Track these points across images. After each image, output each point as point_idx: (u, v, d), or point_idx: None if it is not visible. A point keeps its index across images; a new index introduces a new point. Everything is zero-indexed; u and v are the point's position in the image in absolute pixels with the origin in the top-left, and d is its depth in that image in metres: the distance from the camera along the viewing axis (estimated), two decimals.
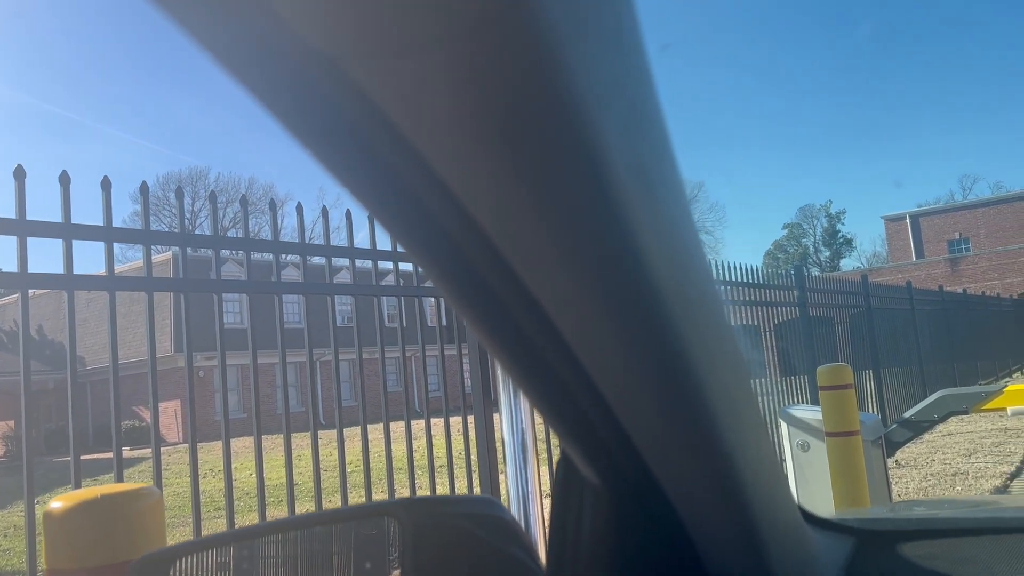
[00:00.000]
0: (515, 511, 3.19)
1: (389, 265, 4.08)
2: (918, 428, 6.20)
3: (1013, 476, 6.93)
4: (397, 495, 4.34)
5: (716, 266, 6.72)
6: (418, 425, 4.19)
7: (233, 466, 3.19)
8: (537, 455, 3.32)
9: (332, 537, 0.72)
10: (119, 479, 2.73)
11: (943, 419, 6.10)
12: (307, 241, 3.67)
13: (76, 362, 2.72)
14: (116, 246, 2.90)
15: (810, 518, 0.87)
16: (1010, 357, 21.15)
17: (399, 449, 4.21)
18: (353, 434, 4.18)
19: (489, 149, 0.37)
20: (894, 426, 6.51)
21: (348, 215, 3.85)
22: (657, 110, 0.43)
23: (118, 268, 2.95)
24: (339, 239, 3.85)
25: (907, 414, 6.37)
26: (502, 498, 3.83)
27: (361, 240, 3.89)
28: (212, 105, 74.66)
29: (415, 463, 4.01)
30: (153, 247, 3.03)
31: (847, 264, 67.07)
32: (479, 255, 0.45)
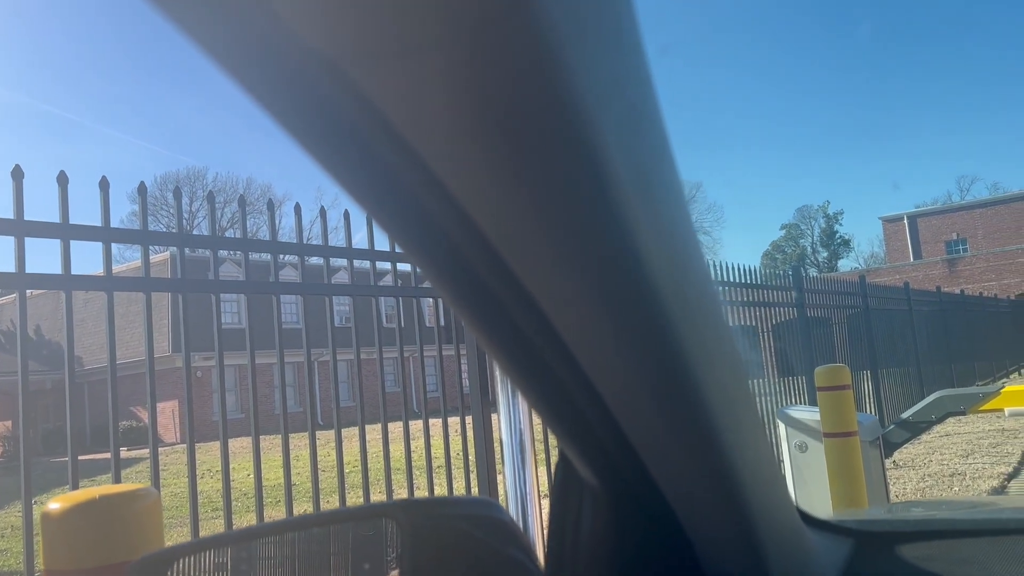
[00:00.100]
0: (513, 512, 3.19)
1: (387, 266, 4.08)
2: (916, 429, 6.20)
3: (1010, 477, 6.94)
4: (395, 496, 4.34)
5: (714, 267, 6.72)
6: (416, 426, 4.19)
7: (231, 466, 3.18)
8: (535, 456, 3.31)
9: (330, 538, 0.72)
10: (117, 479, 2.73)
11: (941, 420, 6.10)
12: (305, 241, 3.67)
13: (74, 362, 2.72)
14: (114, 246, 2.90)
15: (808, 519, 0.88)
16: (1007, 358, 21.17)
17: (397, 450, 4.20)
18: (351, 434, 4.19)
19: (488, 150, 0.37)
20: (892, 427, 6.51)
21: (346, 215, 3.84)
22: (656, 111, 0.43)
23: (116, 268, 2.94)
24: (337, 239, 3.85)
25: (905, 415, 6.38)
26: (500, 499, 3.83)
27: (359, 240, 3.90)
28: (210, 105, 74.67)
29: (413, 464, 4.01)
30: (151, 247, 3.03)
31: (845, 265, 67.20)
32: (477, 255, 0.45)
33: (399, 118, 0.36)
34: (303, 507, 7.04)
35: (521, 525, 3.07)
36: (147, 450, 2.95)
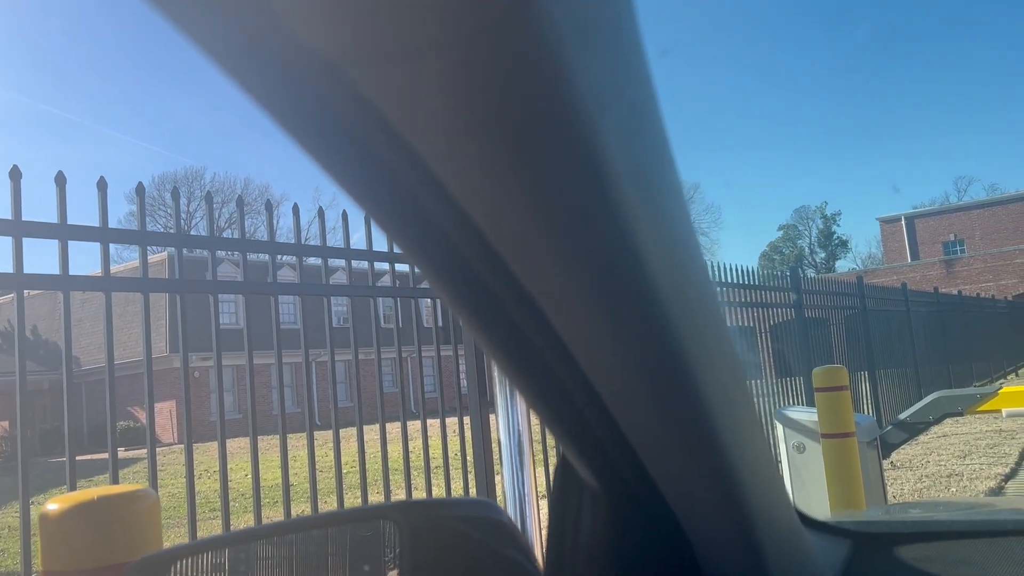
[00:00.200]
0: (511, 513, 3.19)
1: (385, 266, 4.08)
2: (913, 430, 6.21)
3: (1008, 478, 6.94)
4: (393, 496, 4.34)
5: (712, 267, 6.72)
6: (414, 426, 4.18)
7: (229, 467, 3.18)
8: (533, 457, 3.31)
9: (328, 539, 0.72)
10: (114, 480, 2.73)
11: (938, 421, 6.11)
12: (303, 242, 3.67)
13: (71, 362, 2.72)
14: (112, 246, 2.89)
15: (806, 520, 0.88)
16: (1005, 359, 21.19)
17: (395, 450, 4.20)
18: (349, 435, 4.19)
19: (487, 150, 0.37)
20: (889, 428, 6.52)
21: (344, 216, 3.84)
22: (656, 112, 0.43)
23: (113, 268, 2.94)
24: (335, 240, 3.85)
25: (902, 416, 6.39)
26: (498, 500, 3.83)
27: (357, 241, 3.89)
28: (209, 106, 74.71)
29: (411, 464, 4.00)
30: (149, 248, 3.03)
31: (842, 266, 67.23)
32: (476, 255, 0.45)
33: (398, 118, 0.36)
34: (301, 507, 7.04)
35: (519, 526, 3.06)
36: (145, 450, 2.95)
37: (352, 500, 6.16)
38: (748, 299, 7.40)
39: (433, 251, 0.47)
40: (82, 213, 2.88)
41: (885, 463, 6.49)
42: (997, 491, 6.50)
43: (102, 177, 2.86)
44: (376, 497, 6.12)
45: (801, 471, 4.84)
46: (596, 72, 0.36)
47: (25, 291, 2.63)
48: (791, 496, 0.82)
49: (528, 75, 0.33)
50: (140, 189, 3.04)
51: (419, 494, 4.40)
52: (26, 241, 2.62)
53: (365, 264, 3.96)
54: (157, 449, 2.95)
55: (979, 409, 5.91)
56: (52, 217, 2.70)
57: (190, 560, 0.65)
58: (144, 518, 1.69)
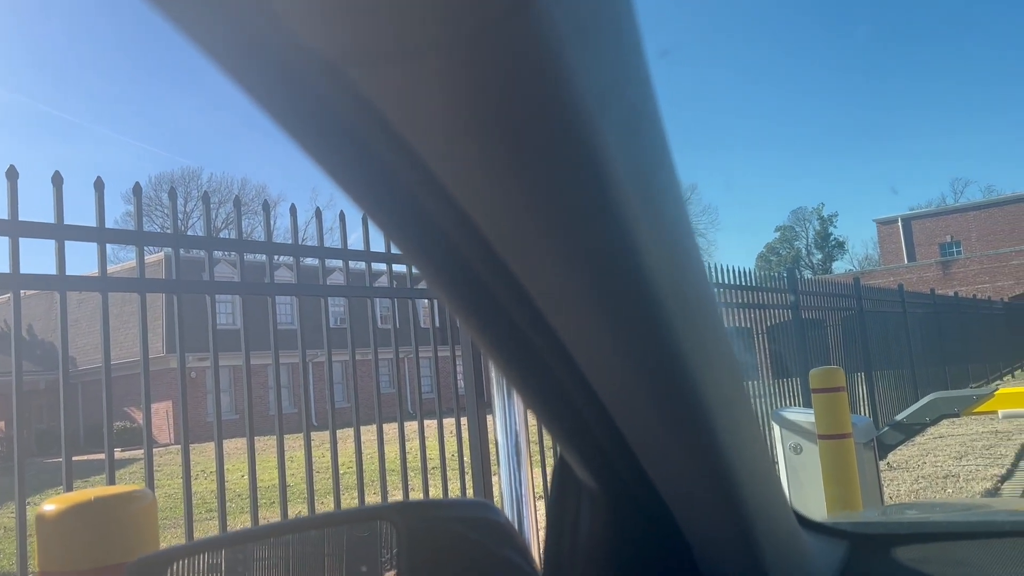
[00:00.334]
0: (508, 514, 3.19)
1: (383, 267, 4.08)
2: (910, 431, 6.23)
3: (1004, 479, 6.95)
4: (390, 497, 4.34)
5: (709, 269, 6.72)
6: (411, 427, 4.18)
7: (225, 467, 3.18)
8: (531, 458, 3.31)
9: (325, 540, 0.72)
10: (111, 480, 2.72)
11: (935, 422, 6.13)
12: (300, 242, 3.66)
13: (68, 363, 2.71)
14: (109, 247, 2.89)
15: (803, 521, 0.88)
16: (1001, 360, 21.23)
17: (392, 451, 4.20)
18: (346, 436, 4.18)
19: (487, 150, 0.37)
20: (886, 429, 6.53)
21: (342, 216, 3.84)
22: (656, 112, 0.43)
23: (110, 269, 2.94)
24: (332, 240, 3.85)
25: (899, 417, 6.40)
26: (495, 501, 3.83)
27: (355, 242, 3.88)
28: (207, 106, 74.64)
29: (408, 465, 4.00)
30: (146, 248, 3.03)
31: (839, 267, 67.32)
32: (476, 255, 0.45)
33: (398, 118, 0.36)
34: (298, 508, 7.04)
35: (516, 527, 3.06)
36: (141, 451, 2.94)
37: (349, 501, 6.16)
38: (745, 300, 7.41)
39: (433, 251, 0.47)
40: (81, 214, 2.88)
41: (882, 464, 6.50)
42: (993, 492, 6.51)
43: (99, 177, 2.86)
44: (373, 498, 6.12)
45: (798, 472, 4.84)
46: (596, 72, 0.36)
47: (22, 291, 2.62)
48: (787, 497, 0.82)
49: (528, 75, 0.33)
50: (137, 189, 3.03)
51: (416, 495, 4.40)
52: (23, 241, 2.61)
53: (362, 265, 3.96)
54: (154, 450, 2.94)
55: (975, 410, 5.93)
56: (51, 217, 2.70)
57: (187, 561, 0.65)
58: (141, 519, 1.68)
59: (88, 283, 2.86)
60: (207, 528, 7.27)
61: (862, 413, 9.32)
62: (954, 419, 8.05)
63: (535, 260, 0.44)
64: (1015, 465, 7.57)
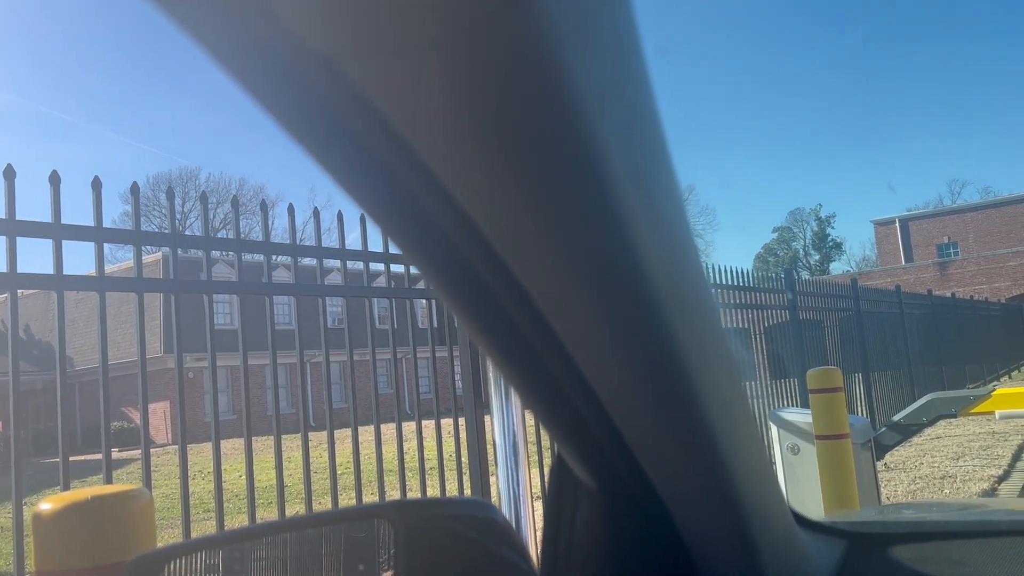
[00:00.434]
0: (506, 513, 3.19)
1: (380, 267, 4.08)
2: (907, 431, 6.24)
3: (1000, 479, 6.96)
4: (387, 497, 4.33)
5: (707, 269, 6.73)
6: (409, 427, 4.18)
7: (223, 468, 3.17)
8: (528, 458, 3.32)
9: (323, 539, 0.72)
10: (108, 480, 2.72)
11: (932, 422, 6.14)
12: (298, 242, 3.66)
13: (65, 363, 2.71)
14: (107, 247, 2.89)
15: (801, 520, 0.88)
16: (998, 361, 21.26)
17: (390, 451, 4.20)
18: (344, 436, 4.18)
19: (486, 149, 0.37)
20: (883, 429, 6.54)
21: (339, 216, 3.84)
22: (654, 111, 0.43)
23: (108, 269, 2.93)
24: (330, 240, 3.84)
25: (896, 417, 6.41)
26: (493, 500, 3.83)
27: (353, 241, 3.89)
28: (205, 106, 74.63)
29: (406, 465, 4.00)
30: (144, 248, 3.02)
31: (837, 268, 67.37)
32: (475, 255, 0.45)
33: (397, 117, 0.36)
34: (295, 508, 7.03)
35: (514, 526, 3.05)
36: (138, 451, 2.94)
37: (347, 501, 6.15)
38: (743, 301, 7.41)
39: (433, 251, 0.47)
40: (79, 214, 2.88)
41: (879, 465, 6.51)
42: (990, 493, 6.52)
43: (96, 176, 2.86)
44: (371, 499, 6.11)
45: (795, 472, 4.84)
46: (595, 71, 0.36)
47: (19, 291, 2.62)
48: (785, 497, 0.82)
49: (527, 73, 0.33)
50: (134, 189, 3.03)
51: (414, 495, 4.40)
52: (20, 241, 2.61)
53: (360, 265, 3.96)
54: (151, 450, 2.94)
55: (972, 411, 5.93)
56: (50, 218, 2.69)
57: (184, 559, 0.65)
58: (138, 518, 1.68)
59: (85, 283, 2.86)
60: (204, 528, 7.26)
61: (859, 414, 9.33)
62: (951, 420, 8.06)
63: (535, 260, 0.44)
64: (1012, 466, 7.58)
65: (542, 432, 3.80)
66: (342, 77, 0.34)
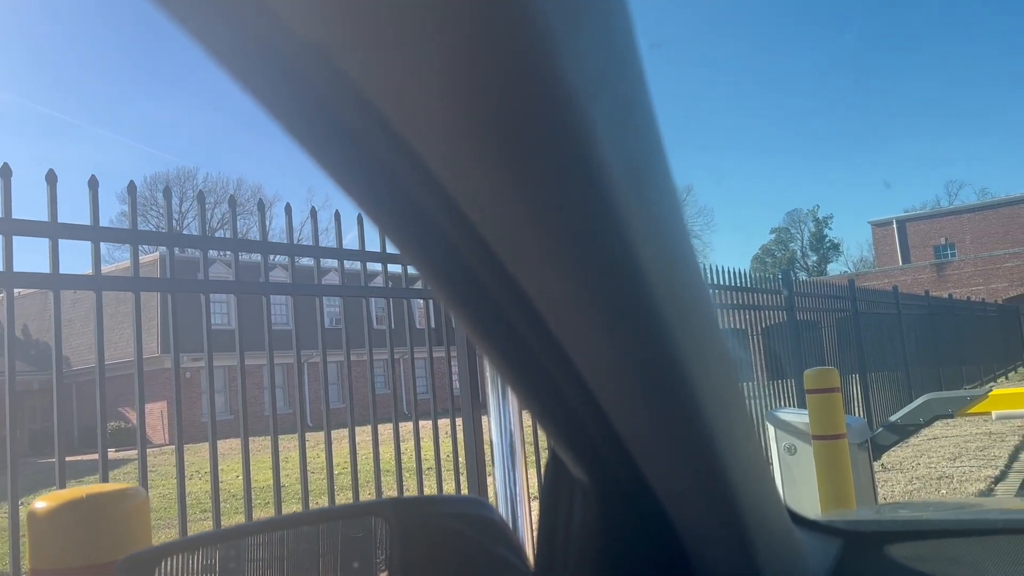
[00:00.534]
0: (503, 513, 3.18)
1: (378, 267, 4.08)
2: (904, 432, 6.23)
3: (997, 480, 6.97)
4: (385, 497, 4.32)
5: (705, 270, 6.74)
6: (406, 427, 4.18)
7: (220, 468, 3.17)
8: (525, 457, 3.31)
9: (319, 537, 0.72)
10: (104, 480, 2.71)
11: (928, 423, 6.13)
12: (296, 242, 3.66)
13: (62, 362, 2.70)
14: (104, 246, 2.88)
15: (797, 519, 0.88)
16: (995, 361, 21.29)
17: (387, 451, 4.20)
18: (341, 436, 4.17)
19: (482, 145, 0.37)
20: (880, 430, 6.53)
21: (336, 216, 3.84)
22: (649, 107, 0.43)
23: (105, 268, 2.93)
24: (328, 240, 3.84)
25: (893, 418, 6.40)
26: (490, 500, 3.82)
27: (350, 241, 3.88)
28: (203, 106, 74.49)
29: (403, 465, 4.00)
30: (140, 247, 3.02)
31: (834, 269, 67.39)
32: (472, 253, 0.45)
33: (393, 113, 0.36)
34: (292, 509, 7.01)
35: (511, 526, 3.04)
36: (135, 451, 2.93)
37: (343, 501, 6.14)
38: (741, 301, 7.42)
39: (429, 248, 0.47)
40: (78, 214, 2.87)
41: (876, 465, 6.51)
42: (987, 493, 6.53)
43: (93, 176, 2.85)
44: (368, 498, 6.10)
45: (792, 473, 4.85)
46: (589, 64, 0.36)
47: (16, 290, 2.61)
48: (782, 497, 0.82)
49: (521, 67, 0.33)
50: (131, 188, 3.02)
51: (411, 495, 4.39)
52: (17, 240, 2.61)
53: (358, 265, 3.95)
54: (148, 450, 2.93)
55: (969, 411, 5.93)
56: (46, 216, 2.69)
57: (179, 557, 0.65)
58: (133, 516, 1.68)
59: (82, 282, 2.85)
60: (201, 528, 7.25)
61: (856, 414, 9.34)
62: (948, 420, 8.05)
63: (532, 259, 0.44)
64: (1008, 466, 7.60)
65: (539, 432, 3.80)
66: (338, 70, 0.34)
